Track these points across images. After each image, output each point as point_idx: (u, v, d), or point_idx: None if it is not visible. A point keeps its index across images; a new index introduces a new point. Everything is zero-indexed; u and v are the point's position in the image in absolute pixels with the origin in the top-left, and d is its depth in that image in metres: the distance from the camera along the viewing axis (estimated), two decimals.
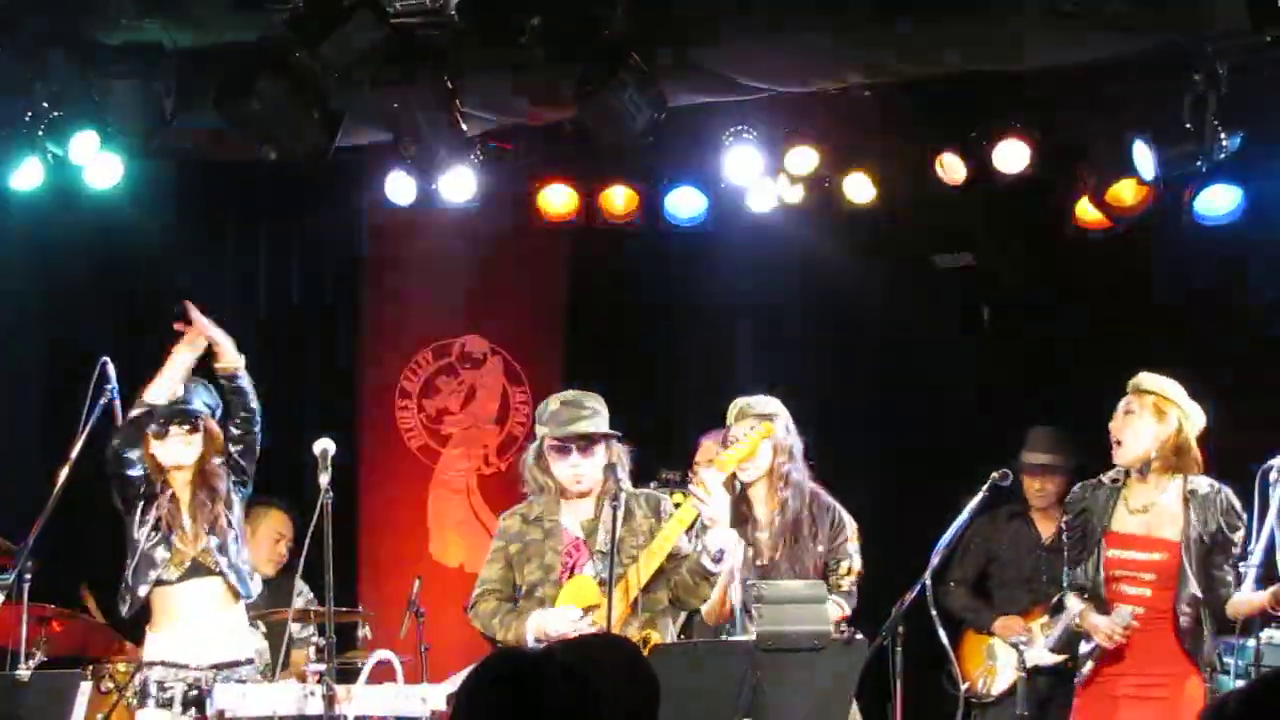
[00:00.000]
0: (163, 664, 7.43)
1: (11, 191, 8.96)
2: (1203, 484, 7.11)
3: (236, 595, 7.59)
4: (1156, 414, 7.15)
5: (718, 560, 7.03)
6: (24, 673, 7.22)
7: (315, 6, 7.53)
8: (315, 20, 7.57)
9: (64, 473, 7.51)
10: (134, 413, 7.57)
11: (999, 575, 9.25)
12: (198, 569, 7.51)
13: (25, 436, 9.92)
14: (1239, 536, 7.03)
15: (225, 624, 7.55)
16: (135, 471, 7.56)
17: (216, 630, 7.51)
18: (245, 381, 7.76)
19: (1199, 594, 7.02)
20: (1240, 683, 7.20)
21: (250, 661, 7.60)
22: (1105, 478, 7.33)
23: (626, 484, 7.24)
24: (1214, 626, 7.06)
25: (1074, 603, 7.28)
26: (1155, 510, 7.12)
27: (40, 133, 8.59)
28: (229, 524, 7.59)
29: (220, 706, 7.08)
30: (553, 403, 7.38)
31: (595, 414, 7.29)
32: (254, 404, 7.74)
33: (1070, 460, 9.18)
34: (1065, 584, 7.50)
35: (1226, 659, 7.46)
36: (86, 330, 9.78)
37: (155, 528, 7.48)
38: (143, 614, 7.59)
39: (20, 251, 9.85)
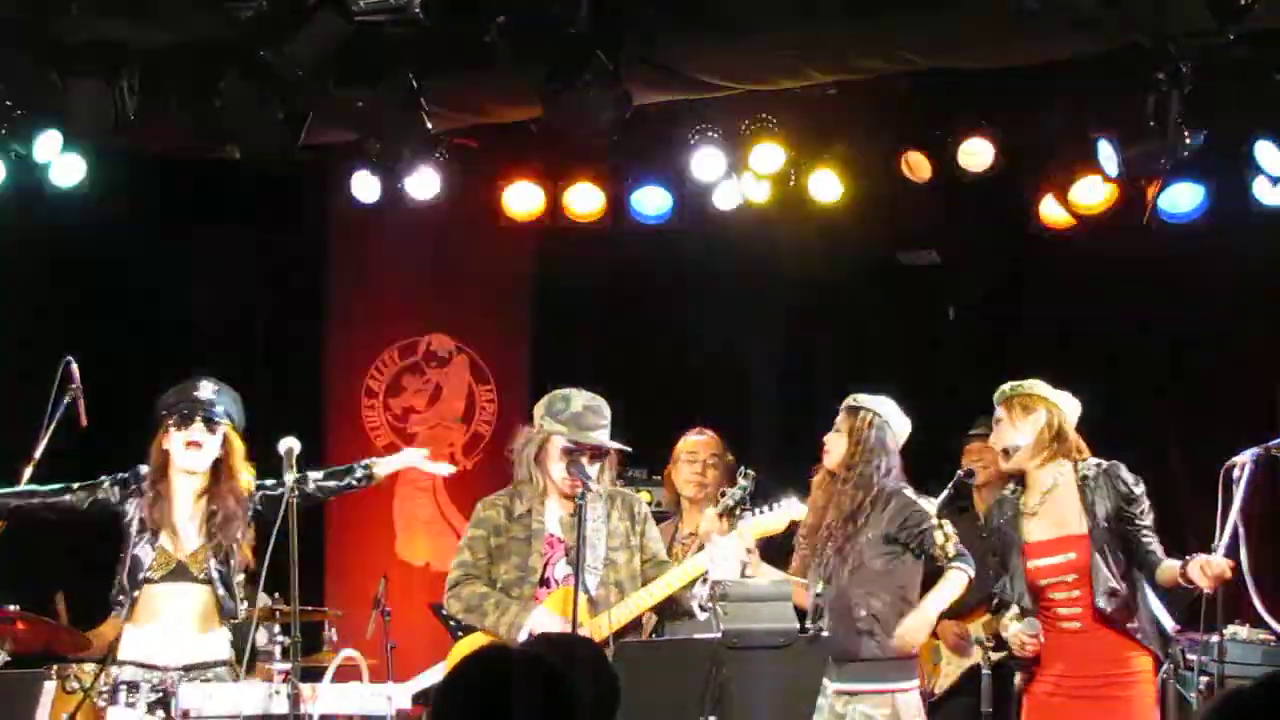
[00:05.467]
0: (133, 664, 7.34)
1: None
2: (1089, 467, 7.12)
3: (221, 612, 7.47)
4: (1022, 411, 7.18)
5: (704, 610, 7.07)
6: None
7: (279, 6, 7.52)
8: (279, 19, 7.56)
9: (28, 472, 7.47)
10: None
11: None
12: (183, 573, 7.38)
13: None
14: (1140, 491, 7.03)
15: (200, 630, 7.42)
16: (100, 495, 7.46)
17: (189, 634, 7.39)
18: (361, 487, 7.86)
19: (1117, 583, 7.02)
20: (1204, 679, 7.23)
21: (224, 663, 7.50)
22: (1006, 491, 7.34)
23: (593, 483, 7.23)
24: (1151, 599, 7.05)
25: (1011, 620, 7.29)
26: (1053, 506, 7.13)
27: (3, 132, 8.57)
28: (235, 541, 7.47)
29: (185, 706, 7.03)
30: (574, 403, 7.32)
31: (609, 425, 7.31)
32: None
33: None
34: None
35: (1190, 656, 7.49)
36: (50, 329, 9.74)
37: (142, 528, 7.38)
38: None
39: None
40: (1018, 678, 7.34)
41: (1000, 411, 7.28)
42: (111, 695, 7.32)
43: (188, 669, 7.32)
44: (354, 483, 7.80)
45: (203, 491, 7.43)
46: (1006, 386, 7.31)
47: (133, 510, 7.38)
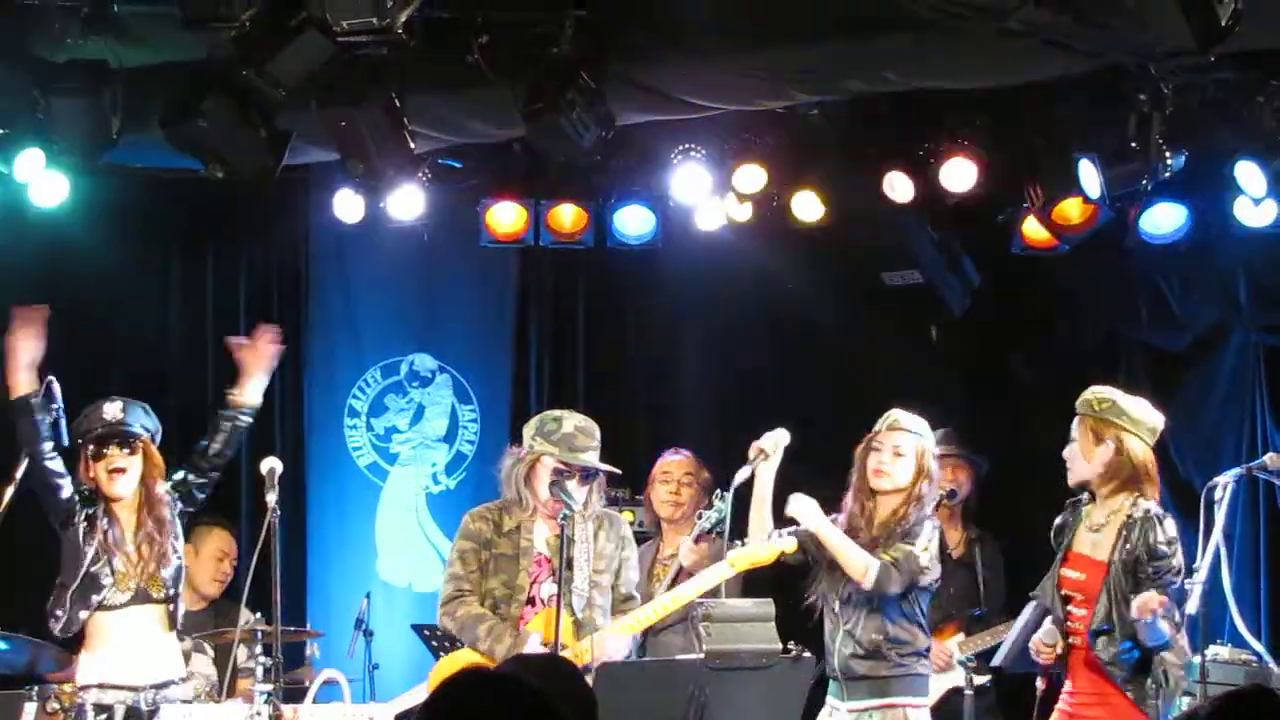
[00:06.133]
0: (99, 686, 7.34)
1: None
2: (1140, 509, 7.06)
3: (173, 624, 7.51)
4: (1094, 439, 7.11)
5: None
6: None
7: (262, 25, 7.50)
8: (262, 39, 7.55)
9: (9, 493, 7.45)
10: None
11: None
12: (143, 596, 7.42)
13: None
14: (1169, 551, 6.95)
15: (161, 648, 7.46)
16: (65, 489, 7.46)
17: (152, 653, 7.42)
18: (247, 421, 7.75)
19: (1118, 618, 7.00)
20: (1187, 700, 7.24)
21: (184, 680, 7.53)
22: (1082, 496, 7.31)
23: (578, 505, 7.24)
24: (1142, 652, 7.01)
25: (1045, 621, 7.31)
26: (1103, 531, 7.14)
27: None
28: (175, 552, 7.52)
29: None
30: (566, 424, 7.35)
31: (600, 447, 7.32)
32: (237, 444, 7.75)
33: (968, 449, 9.28)
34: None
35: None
36: None
37: (99, 550, 7.39)
38: (75, 637, 7.50)
39: None
40: (1039, 682, 7.34)
41: (1076, 428, 7.19)
42: (78, 718, 7.31)
43: (158, 686, 7.33)
44: (240, 425, 7.75)
45: (137, 509, 7.47)
46: (1090, 398, 7.21)
47: (84, 528, 7.40)
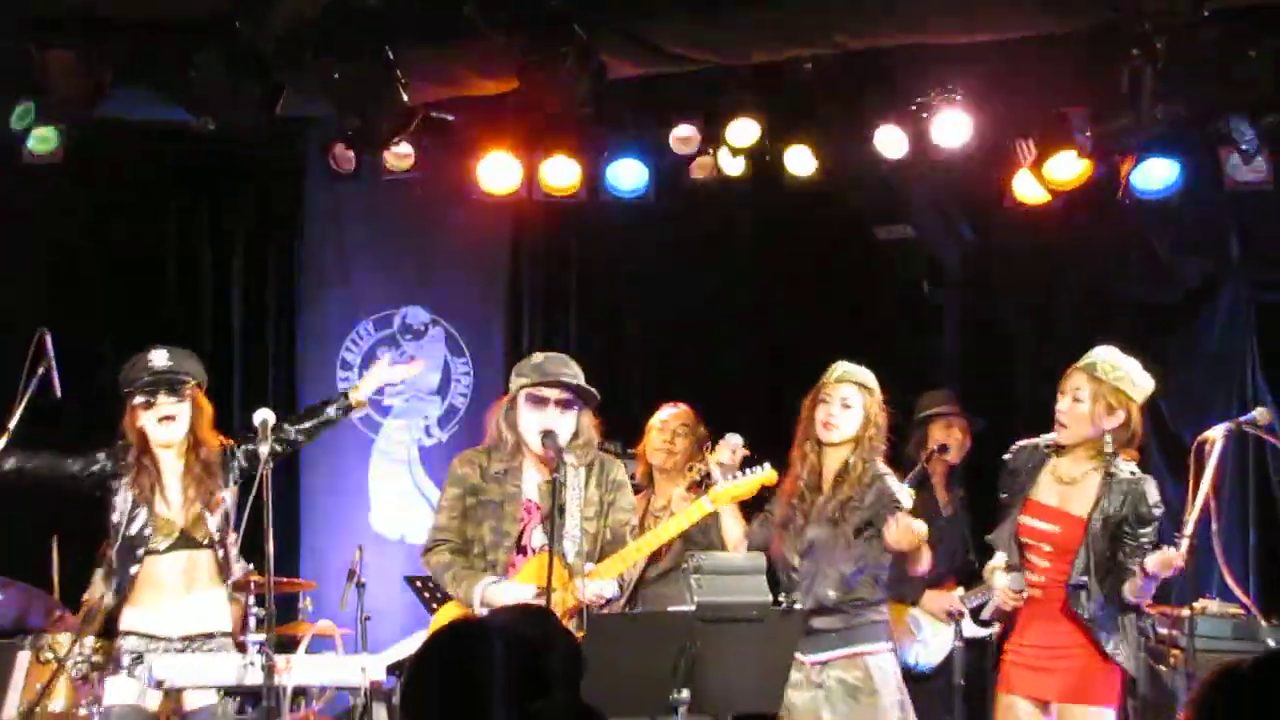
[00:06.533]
0: (135, 634, 7.35)
1: None
2: (1124, 470, 7.05)
3: (223, 573, 7.49)
4: (1107, 410, 7.06)
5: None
6: None
7: None
8: None
9: (0, 443, 7.45)
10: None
11: None
12: (187, 540, 7.41)
13: None
14: (1157, 514, 6.94)
15: (206, 599, 7.45)
16: (81, 471, 7.47)
17: (195, 604, 7.42)
18: (341, 418, 7.94)
19: (1095, 575, 7.02)
20: (1176, 653, 7.27)
21: (226, 634, 7.52)
22: (1043, 440, 7.31)
23: (568, 453, 7.26)
24: (1115, 608, 7.03)
25: (998, 569, 7.29)
26: (1076, 485, 7.13)
27: None
28: (225, 500, 7.50)
29: (160, 676, 7.05)
30: (535, 356, 7.43)
31: (577, 375, 7.34)
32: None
33: (964, 407, 9.31)
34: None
35: (1161, 630, 7.53)
36: (24, 301, 9.72)
37: (135, 504, 7.38)
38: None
39: None
40: (996, 629, 7.36)
41: (1085, 391, 7.11)
42: (115, 665, 7.33)
43: (190, 639, 7.35)
44: (334, 415, 7.84)
45: (186, 453, 7.47)
46: (1104, 364, 7.13)
47: (122, 485, 7.40)
